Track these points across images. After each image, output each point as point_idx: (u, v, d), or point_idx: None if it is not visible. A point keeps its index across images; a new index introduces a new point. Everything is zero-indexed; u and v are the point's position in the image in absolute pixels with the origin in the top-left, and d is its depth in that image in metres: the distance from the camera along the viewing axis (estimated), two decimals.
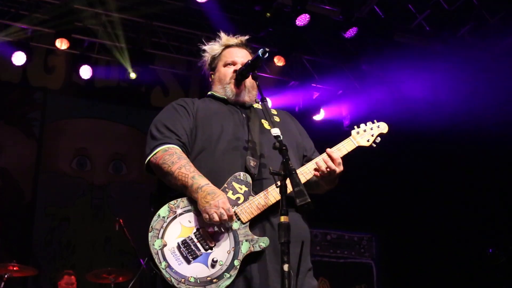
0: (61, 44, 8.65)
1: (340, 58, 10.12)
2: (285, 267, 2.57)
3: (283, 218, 2.65)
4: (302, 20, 8.59)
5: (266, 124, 3.33)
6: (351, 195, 9.97)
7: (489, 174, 9.12)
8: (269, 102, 6.82)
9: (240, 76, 3.40)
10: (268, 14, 8.54)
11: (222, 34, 3.65)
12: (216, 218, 2.87)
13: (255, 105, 3.48)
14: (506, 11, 8.61)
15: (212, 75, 3.61)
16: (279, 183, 2.78)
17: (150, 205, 3.19)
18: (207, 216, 2.89)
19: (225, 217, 2.88)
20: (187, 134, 3.24)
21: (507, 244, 8.03)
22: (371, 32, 9.07)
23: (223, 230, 2.95)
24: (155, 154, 3.15)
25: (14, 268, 7.47)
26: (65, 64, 9.85)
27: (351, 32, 8.75)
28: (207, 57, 3.65)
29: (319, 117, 10.36)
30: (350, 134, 3.38)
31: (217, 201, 2.89)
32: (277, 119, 3.38)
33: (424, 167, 10.07)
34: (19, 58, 8.75)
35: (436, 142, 9.63)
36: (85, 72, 9.12)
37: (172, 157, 3.09)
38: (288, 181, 2.74)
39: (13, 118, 9.65)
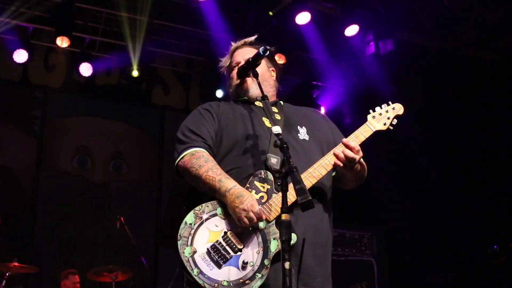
0: (62, 42, 8.64)
1: (342, 56, 10.12)
2: (286, 265, 2.56)
3: (284, 216, 2.64)
4: (303, 18, 8.61)
5: (267, 122, 3.32)
6: (352, 193, 9.94)
7: (490, 171, 9.12)
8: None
9: (240, 74, 3.42)
10: (271, 13, 8.55)
11: (232, 43, 3.70)
12: (246, 222, 2.87)
13: (256, 102, 3.45)
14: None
15: (228, 83, 3.66)
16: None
17: (183, 203, 3.14)
18: (238, 222, 2.90)
19: (255, 220, 2.88)
20: (212, 137, 3.25)
21: (508, 242, 8.01)
22: (372, 30, 9.08)
23: (250, 231, 2.95)
24: (182, 158, 3.17)
25: (16, 267, 7.48)
26: (65, 62, 9.84)
27: (352, 30, 8.78)
28: (224, 71, 3.71)
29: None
30: (366, 120, 3.33)
31: (246, 205, 2.88)
32: (278, 117, 3.36)
33: (425, 165, 10.06)
34: (20, 56, 8.76)
35: (437, 140, 9.64)
36: (86, 69, 9.13)
37: (199, 160, 3.10)
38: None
39: (13, 116, 9.66)
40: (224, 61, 3.70)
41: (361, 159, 3.25)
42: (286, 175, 2.76)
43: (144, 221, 9.68)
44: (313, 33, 9.28)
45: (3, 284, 7.30)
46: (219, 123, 3.31)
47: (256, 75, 3.35)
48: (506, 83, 9.11)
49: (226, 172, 3.08)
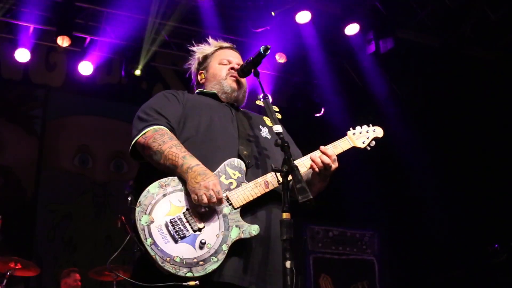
0: (63, 41, 8.65)
1: (342, 55, 10.13)
2: (287, 263, 2.56)
3: (285, 215, 2.64)
4: (303, 17, 8.62)
5: (268, 121, 3.35)
6: (353, 192, 9.97)
7: (491, 170, 9.12)
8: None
9: (241, 73, 3.44)
10: (273, 13, 8.56)
11: (211, 39, 3.73)
12: (205, 199, 2.83)
13: (258, 101, 3.49)
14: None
15: (203, 74, 3.65)
16: (280, 178, 2.78)
17: (129, 193, 3.09)
18: (195, 197, 2.84)
19: (214, 199, 2.84)
20: (176, 120, 3.23)
21: (508, 241, 8.02)
22: (373, 28, 9.07)
23: (212, 213, 2.91)
24: (144, 134, 3.11)
25: (17, 266, 7.49)
26: (66, 62, 9.85)
27: (352, 29, 8.78)
28: (197, 56, 3.71)
29: (320, 114, 10.38)
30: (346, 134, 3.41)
31: (208, 182, 2.84)
32: (279, 116, 3.39)
33: (426, 164, 10.06)
34: (22, 55, 8.76)
35: (437, 139, 9.64)
36: (86, 68, 9.13)
37: (163, 136, 3.06)
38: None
39: (14, 115, 9.66)
40: (202, 49, 3.70)
41: (328, 178, 3.27)
42: (287, 173, 2.76)
43: None
44: (313, 32, 9.28)
45: (4, 283, 7.31)
46: (184, 109, 3.30)
47: (257, 74, 3.38)
48: (506, 82, 9.12)
49: None
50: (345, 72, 10.55)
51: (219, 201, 2.87)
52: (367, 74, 10.16)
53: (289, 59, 9.65)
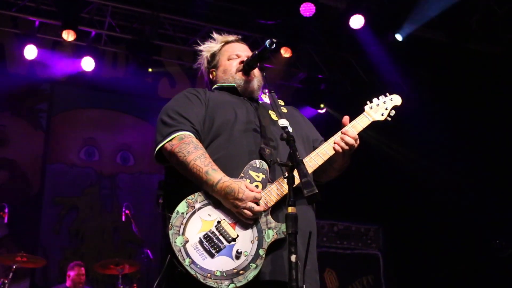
0: (68, 35, 8.65)
1: (347, 49, 10.10)
2: (293, 257, 2.55)
3: (290, 209, 2.63)
4: (308, 10, 8.59)
5: (273, 115, 3.32)
6: (358, 186, 9.96)
7: (497, 165, 9.11)
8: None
9: (247, 67, 3.41)
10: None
11: (216, 35, 3.67)
12: (249, 213, 2.84)
13: (263, 96, 3.48)
14: None
15: (214, 72, 3.60)
16: (286, 174, 2.77)
17: (158, 193, 3.04)
18: (239, 216, 2.87)
19: (257, 208, 2.84)
20: (199, 122, 3.18)
21: None
22: (379, 22, 9.05)
23: (245, 220, 2.90)
24: (170, 140, 3.06)
25: (23, 259, 7.53)
26: (72, 55, 9.86)
27: (357, 23, 8.76)
28: (205, 55, 3.65)
29: (324, 108, 10.38)
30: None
31: (241, 199, 2.84)
32: (284, 110, 3.38)
33: (430, 158, 10.05)
34: (30, 52, 8.76)
35: (443, 133, 9.62)
36: (88, 64, 9.12)
37: (188, 146, 3.02)
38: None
39: (20, 109, 9.68)
40: (209, 48, 3.66)
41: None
42: (293, 168, 2.75)
43: (151, 213, 9.71)
44: (318, 25, 9.26)
45: (10, 276, 7.35)
46: (207, 108, 3.26)
47: (262, 69, 3.37)
48: None
49: (215, 159, 3.02)
50: (351, 66, 10.52)
51: (260, 204, 2.88)
52: (372, 69, 10.15)
53: (294, 52, 9.62)
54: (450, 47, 9.25)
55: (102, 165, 10.07)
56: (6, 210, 7.79)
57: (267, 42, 3.19)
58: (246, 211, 2.84)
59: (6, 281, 7.26)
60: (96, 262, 8.31)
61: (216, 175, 2.91)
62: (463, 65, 9.36)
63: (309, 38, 9.90)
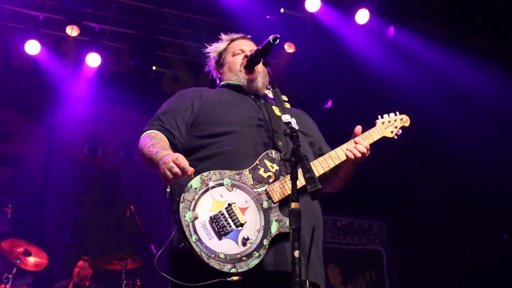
0: (72, 31, 8.65)
1: (351, 44, 10.07)
2: (296, 253, 2.57)
3: (293, 205, 2.65)
4: (313, 5, 8.57)
5: (277, 111, 3.33)
6: (362, 182, 9.94)
7: (502, 159, 9.09)
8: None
9: (251, 62, 3.42)
10: (282, 10, 8.57)
11: (223, 35, 3.75)
12: (168, 173, 2.77)
13: (267, 91, 3.49)
14: None
15: (221, 70, 3.67)
16: (288, 168, 2.80)
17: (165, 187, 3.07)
18: (164, 179, 2.82)
19: (175, 169, 2.76)
20: (176, 121, 3.25)
21: None
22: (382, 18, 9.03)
23: (253, 208, 2.93)
24: (139, 144, 3.22)
25: (26, 255, 7.56)
26: (75, 51, 9.85)
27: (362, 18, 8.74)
28: (212, 55, 3.73)
29: (328, 105, 10.36)
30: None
31: (163, 160, 2.84)
32: (288, 105, 3.39)
33: (434, 153, 10.04)
34: (32, 48, 8.75)
35: (447, 128, 9.61)
36: (93, 60, 9.11)
37: (145, 140, 3.14)
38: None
39: (24, 105, 9.68)
40: (215, 47, 3.73)
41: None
42: (296, 163, 2.75)
43: (155, 208, 9.72)
44: (322, 20, 9.23)
45: (14, 271, 7.37)
46: (201, 107, 3.32)
47: (266, 64, 3.37)
48: None
49: (221, 152, 3.09)
50: (354, 62, 10.49)
51: (184, 173, 2.78)
52: (375, 64, 10.13)
53: (297, 48, 9.60)
54: (454, 42, 9.23)
55: (106, 161, 10.08)
56: (10, 206, 7.82)
57: (271, 37, 3.22)
58: (166, 171, 2.78)
59: (10, 276, 7.29)
60: (99, 257, 8.33)
61: (165, 152, 2.97)
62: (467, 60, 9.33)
63: (313, 33, 9.87)
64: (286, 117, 2.96)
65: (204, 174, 2.94)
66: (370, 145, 3.31)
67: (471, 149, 9.42)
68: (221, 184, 2.95)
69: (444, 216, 9.77)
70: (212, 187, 2.93)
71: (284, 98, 3.37)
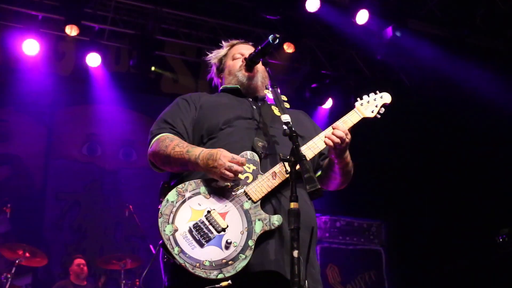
0: (71, 30, 8.64)
1: (351, 45, 10.08)
2: (295, 253, 2.56)
3: (293, 205, 2.64)
4: (313, 5, 8.58)
5: (276, 111, 3.34)
6: (361, 182, 9.94)
7: (500, 158, 9.08)
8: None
9: (250, 62, 3.43)
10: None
11: (224, 42, 3.78)
12: (229, 174, 2.87)
13: (266, 91, 3.49)
14: None
15: (221, 75, 3.69)
16: (288, 167, 2.79)
17: (159, 196, 3.11)
18: (221, 180, 2.91)
19: (236, 167, 2.88)
20: (184, 125, 3.29)
21: None
22: (381, 18, 9.03)
23: (234, 210, 2.93)
24: (150, 146, 3.23)
25: (25, 254, 7.54)
26: (75, 51, 9.85)
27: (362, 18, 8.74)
28: (213, 62, 3.75)
29: (328, 104, 10.35)
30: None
31: (220, 159, 2.89)
32: (287, 105, 3.39)
33: (434, 152, 10.04)
34: (31, 48, 8.72)
35: (446, 126, 9.61)
36: (94, 60, 9.09)
37: (164, 142, 3.14)
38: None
39: (23, 105, 9.67)
40: (216, 53, 3.75)
41: (348, 157, 3.26)
42: (295, 163, 2.75)
43: (154, 208, 9.71)
44: (322, 20, 9.23)
45: (13, 271, 7.36)
46: (200, 111, 3.35)
47: (266, 64, 3.38)
48: None
49: None
50: (354, 61, 10.50)
51: (242, 165, 2.91)
52: (375, 64, 10.13)
53: (297, 48, 9.60)
54: (452, 42, 9.23)
55: (105, 161, 10.07)
56: (9, 206, 7.81)
57: (270, 37, 3.22)
58: (226, 172, 2.87)
59: (9, 276, 7.28)
60: (98, 257, 8.32)
61: (197, 149, 3.02)
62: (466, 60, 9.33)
63: (313, 33, 9.87)
64: (285, 117, 2.96)
65: (179, 186, 2.98)
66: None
67: (471, 149, 9.43)
68: (198, 193, 2.97)
69: (443, 216, 9.76)
70: (189, 198, 2.95)
71: (284, 98, 3.37)
